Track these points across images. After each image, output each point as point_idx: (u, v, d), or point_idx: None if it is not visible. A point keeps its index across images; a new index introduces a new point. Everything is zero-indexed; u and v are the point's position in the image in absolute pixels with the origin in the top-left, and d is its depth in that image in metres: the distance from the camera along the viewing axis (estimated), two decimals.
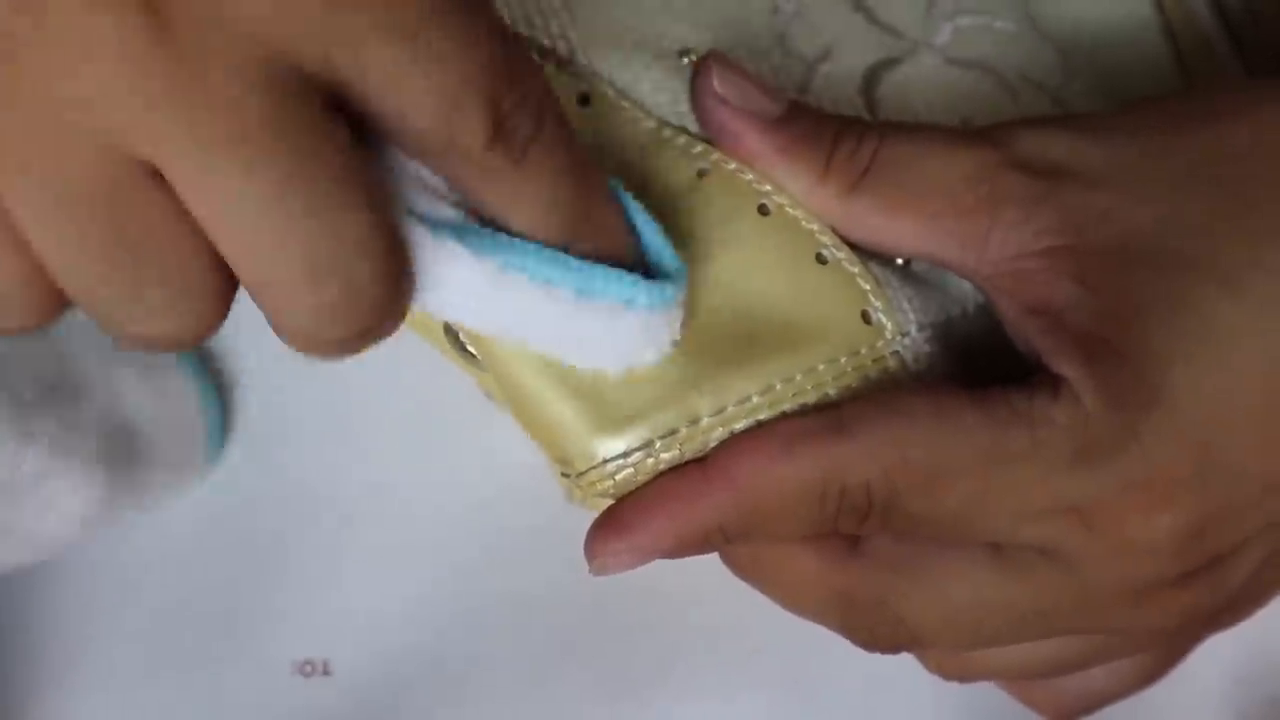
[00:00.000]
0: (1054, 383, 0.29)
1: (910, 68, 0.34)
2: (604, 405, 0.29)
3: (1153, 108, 0.32)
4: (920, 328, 0.31)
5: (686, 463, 0.30)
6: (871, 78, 0.34)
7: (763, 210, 0.31)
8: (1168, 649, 0.34)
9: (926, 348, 0.31)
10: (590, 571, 0.30)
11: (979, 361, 0.32)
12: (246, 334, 0.43)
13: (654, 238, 0.29)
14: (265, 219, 0.23)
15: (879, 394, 0.30)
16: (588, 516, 0.39)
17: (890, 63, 0.34)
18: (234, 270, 0.24)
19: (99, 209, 0.23)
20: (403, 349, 0.41)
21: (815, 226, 0.31)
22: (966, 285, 0.32)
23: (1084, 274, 0.29)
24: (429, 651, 0.41)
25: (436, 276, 0.26)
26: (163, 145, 0.22)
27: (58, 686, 0.41)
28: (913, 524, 0.30)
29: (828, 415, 0.29)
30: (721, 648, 0.40)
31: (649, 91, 0.31)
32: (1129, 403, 0.28)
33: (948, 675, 0.34)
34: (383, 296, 0.25)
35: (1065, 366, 0.29)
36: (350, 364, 0.42)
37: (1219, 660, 0.35)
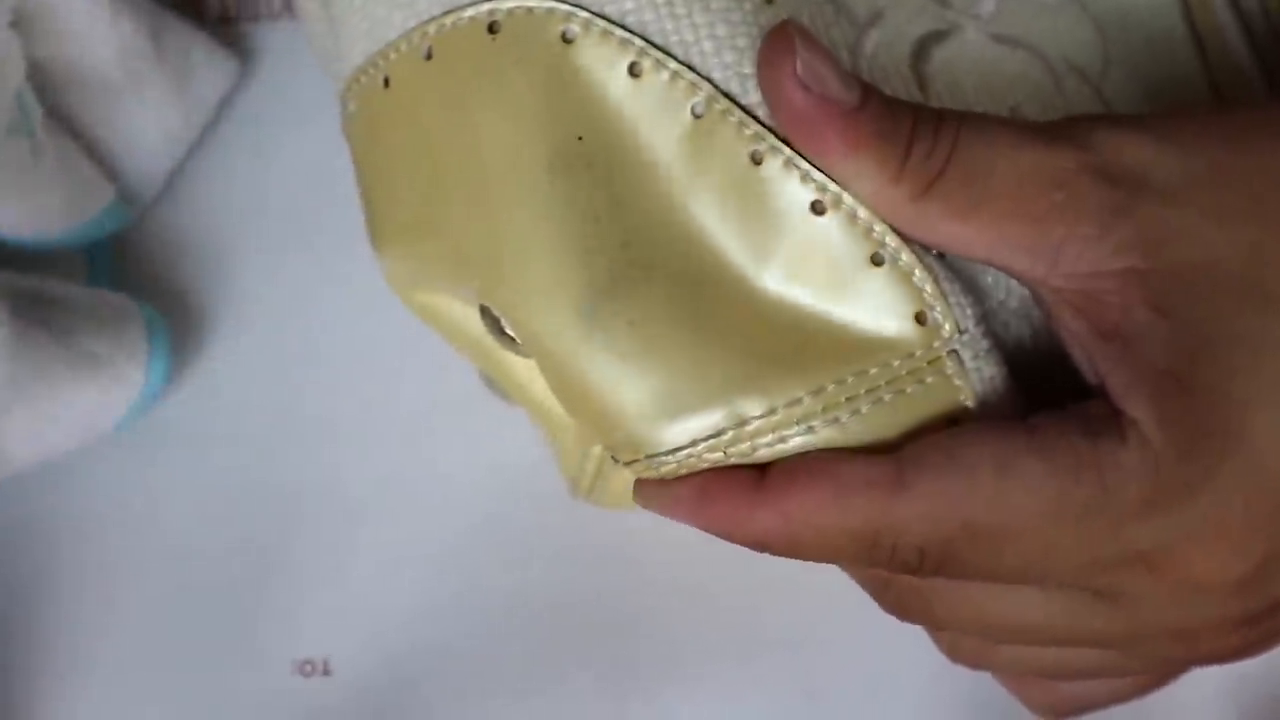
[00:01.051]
0: (1119, 422, 0.27)
1: (957, 44, 0.33)
2: (652, 403, 0.29)
3: (1224, 116, 0.30)
4: (977, 322, 0.30)
5: (738, 466, 0.29)
6: (921, 51, 0.33)
7: (816, 207, 0.29)
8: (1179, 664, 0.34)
9: (985, 343, 0.30)
10: (635, 489, 0.30)
11: (1016, 357, 0.31)
12: (246, 333, 0.43)
13: None
14: None
15: (939, 439, 0.28)
16: (588, 517, 0.39)
17: (938, 36, 0.33)
18: None
19: None
20: (403, 348, 0.42)
21: (876, 226, 0.29)
22: (989, 277, 0.31)
23: (1161, 301, 0.28)
24: (429, 651, 0.41)
25: None
26: None
27: (58, 686, 0.41)
28: (967, 576, 0.29)
29: (887, 464, 0.28)
30: (722, 647, 0.40)
31: (711, 51, 0.30)
32: (1204, 448, 0.27)
33: (958, 660, 0.33)
34: None
35: (1136, 406, 0.27)
36: (351, 363, 0.42)
37: None
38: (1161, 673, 0.34)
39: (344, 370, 0.42)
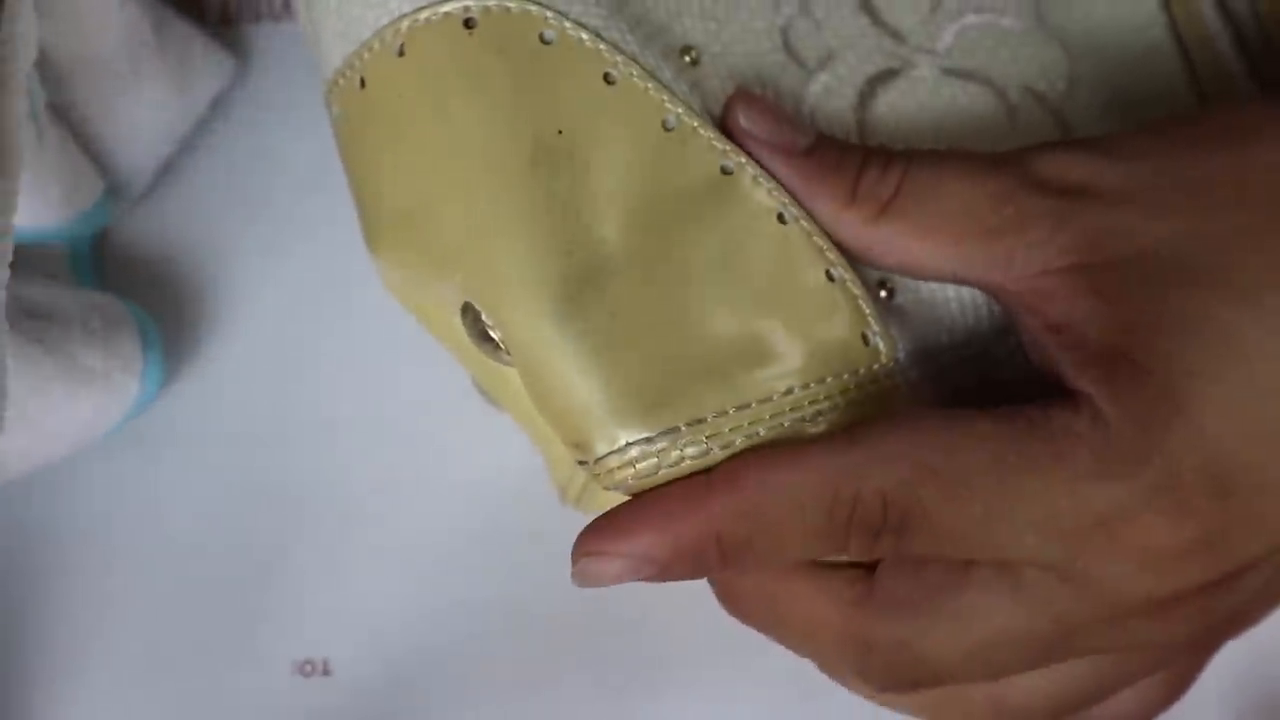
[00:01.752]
0: (1072, 398, 0.29)
1: (905, 84, 0.34)
2: (631, 390, 0.29)
3: (1174, 126, 0.32)
4: (907, 355, 0.32)
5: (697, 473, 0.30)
6: (868, 92, 0.34)
7: (782, 218, 0.31)
8: (1189, 661, 0.34)
9: (914, 373, 0.32)
10: (572, 577, 0.30)
11: (967, 394, 0.33)
12: (244, 334, 0.43)
13: None
14: None
15: (890, 412, 0.30)
16: (586, 518, 0.39)
17: (888, 75, 0.35)
18: None
19: None
20: (402, 348, 0.42)
21: (824, 244, 0.31)
22: (953, 312, 0.33)
23: (1103, 289, 0.29)
24: (429, 651, 0.41)
25: None
26: None
27: (58, 686, 0.41)
28: (930, 540, 0.29)
29: (838, 432, 0.30)
30: (721, 648, 0.40)
31: (671, 79, 0.31)
32: (1150, 414, 0.28)
33: None
34: None
35: (1085, 381, 0.29)
36: (350, 363, 0.43)
37: (1219, 660, 0.34)
38: (1177, 680, 0.34)
39: (343, 371, 0.43)
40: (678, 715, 0.40)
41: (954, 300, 0.33)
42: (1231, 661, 0.36)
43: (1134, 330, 0.29)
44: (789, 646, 0.32)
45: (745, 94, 0.32)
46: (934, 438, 0.29)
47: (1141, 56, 0.36)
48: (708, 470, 0.30)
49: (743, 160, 0.31)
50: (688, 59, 0.33)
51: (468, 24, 0.30)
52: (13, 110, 0.31)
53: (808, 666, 0.39)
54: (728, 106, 0.32)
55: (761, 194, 0.31)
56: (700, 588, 0.40)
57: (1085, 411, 0.28)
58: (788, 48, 0.34)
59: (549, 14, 0.30)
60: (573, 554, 0.30)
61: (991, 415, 0.29)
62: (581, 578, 0.30)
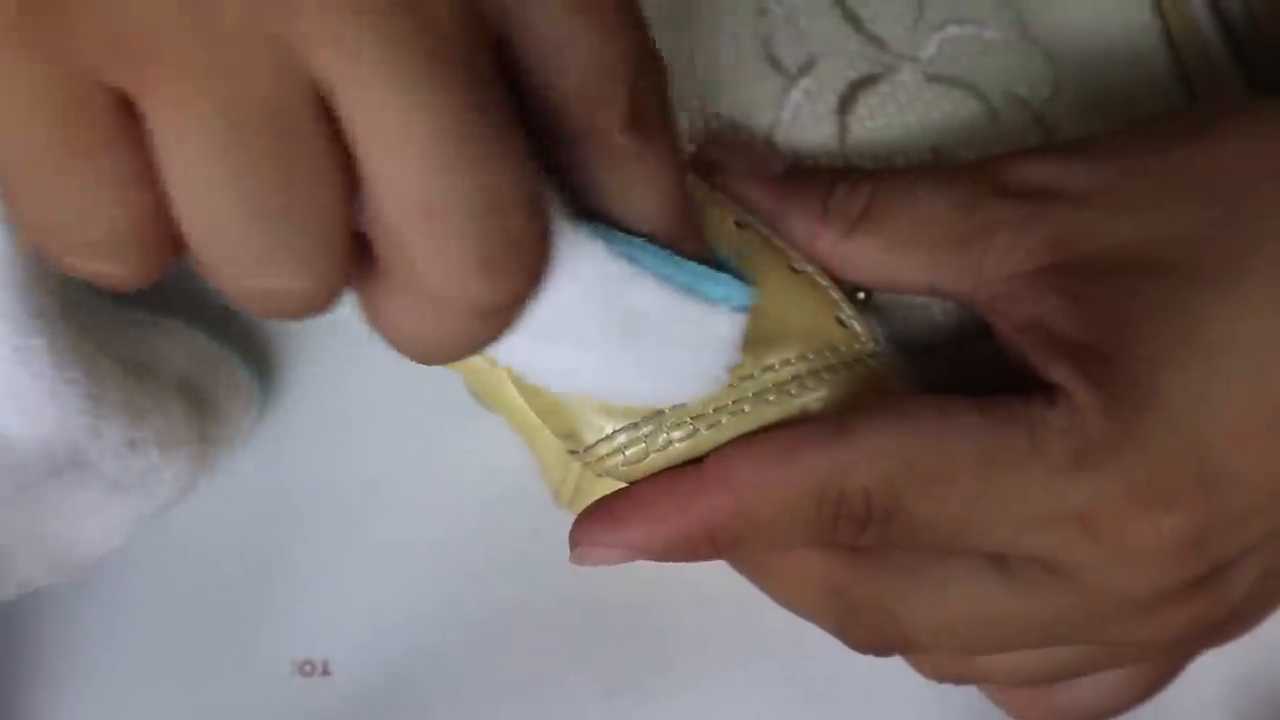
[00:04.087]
0: (1049, 390, 0.29)
1: (887, 87, 0.35)
2: None
3: (1144, 126, 0.32)
4: (887, 338, 0.32)
5: (689, 463, 0.30)
6: (849, 96, 0.35)
7: (739, 224, 0.32)
8: (1165, 663, 0.34)
9: (899, 356, 0.32)
10: (570, 559, 0.30)
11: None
12: (246, 336, 0.43)
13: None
14: (441, 147, 0.22)
15: (879, 399, 0.30)
16: None
17: (870, 80, 0.35)
18: (385, 212, 0.22)
19: (261, 135, 0.21)
20: None
21: (782, 244, 0.32)
22: (934, 315, 0.34)
23: (1067, 286, 0.30)
24: (429, 651, 0.41)
25: (568, 261, 0.25)
26: (347, 56, 0.21)
27: (58, 686, 0.41)
28: (913, 532, 0.29)
29: (828, 420, 0.30)
30: (721, 647, 0.40)
31: None
32: (1124, 404, 0.28)
33: (943, 679, 0.34)
34: (536, 251, 0.23)
35: (1058, 374, 0.29)
36: (349, 365, 0.42)
37: (1219, 659, 0.35)
38: (1151, 679, 0.34)
39: (342, 370, 0.43)
40: (678, 715, 0.40)
41: (929, 306, 0.34)
42: (1232, 661, 0.36)
43: (1100, 323, 0.29)
44: (771, 596, 0.33)
45: (717, 138, 0.33)
46: (921, 432, 0.29)
47: (1132, 61, 0.36)
48: (698, 459, 0.30)
49: (691, 178, 0.31)
50: None
51: None
52: None
53: (806, 668, 0.39)
54: (700, 149, 0.32)
55: (715, 209, 0.31)
56: (701, 588, 0.40)
57: (1062, 403, 0.29)
58: (769, 54, 0.35)
59: None
60: (569, 539, 0.30)
61: (979, 406, 0.29)
62: (578, 561, 0.31)
